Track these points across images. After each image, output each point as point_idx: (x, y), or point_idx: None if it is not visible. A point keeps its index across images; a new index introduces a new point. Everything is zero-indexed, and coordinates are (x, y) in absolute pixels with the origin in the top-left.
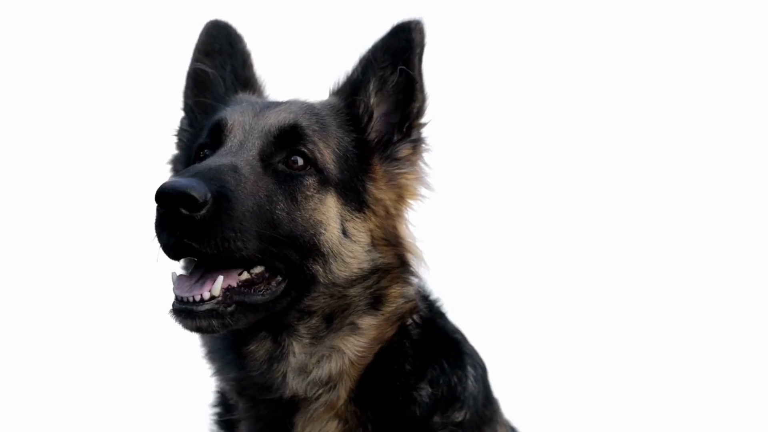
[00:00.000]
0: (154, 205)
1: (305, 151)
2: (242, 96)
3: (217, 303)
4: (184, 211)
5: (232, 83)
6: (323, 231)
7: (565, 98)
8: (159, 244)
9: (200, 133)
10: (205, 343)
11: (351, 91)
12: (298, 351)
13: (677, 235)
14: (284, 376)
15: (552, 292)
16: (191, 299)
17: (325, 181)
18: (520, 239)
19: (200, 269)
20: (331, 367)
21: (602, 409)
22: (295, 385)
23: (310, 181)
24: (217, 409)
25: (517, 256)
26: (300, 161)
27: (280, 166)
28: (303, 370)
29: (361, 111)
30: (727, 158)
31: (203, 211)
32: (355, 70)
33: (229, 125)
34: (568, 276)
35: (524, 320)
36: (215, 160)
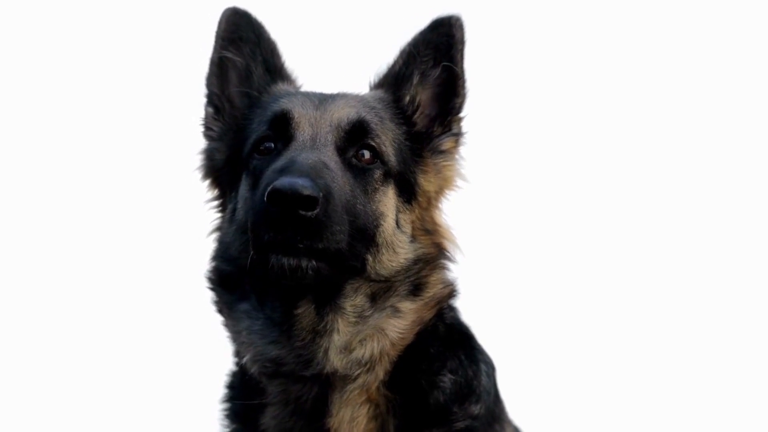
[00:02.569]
0: (264, 203)
1: (373, 144)
2: (282, 87)
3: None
4: (302, 212)
5: (264, 73)
6: (382, 222)
7: (573, 94)
8: (257, 241)
9: (245, 125)
10: (242, 329)
11: (395, 84)
12: (342, 329)
13: (685, 237)
14: (326, 351)
15: (552, 292)
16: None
17: (388, 174)
18: (518, 237)
19: None
20: (373, 347)
21: (602, 409)
22: (336, 361)
23: (378, 174)
24: (227, 404)
25: (516, 255)
26: (367, 155)
27: (354, 161)
28: (346, 348)
29: (406, 104)
30: (747, 164)
31: (317, 210)
32: (396, 63)
33: (295, 118)
34: (569, 275)
35: (523, 319)
36: (303, 156)
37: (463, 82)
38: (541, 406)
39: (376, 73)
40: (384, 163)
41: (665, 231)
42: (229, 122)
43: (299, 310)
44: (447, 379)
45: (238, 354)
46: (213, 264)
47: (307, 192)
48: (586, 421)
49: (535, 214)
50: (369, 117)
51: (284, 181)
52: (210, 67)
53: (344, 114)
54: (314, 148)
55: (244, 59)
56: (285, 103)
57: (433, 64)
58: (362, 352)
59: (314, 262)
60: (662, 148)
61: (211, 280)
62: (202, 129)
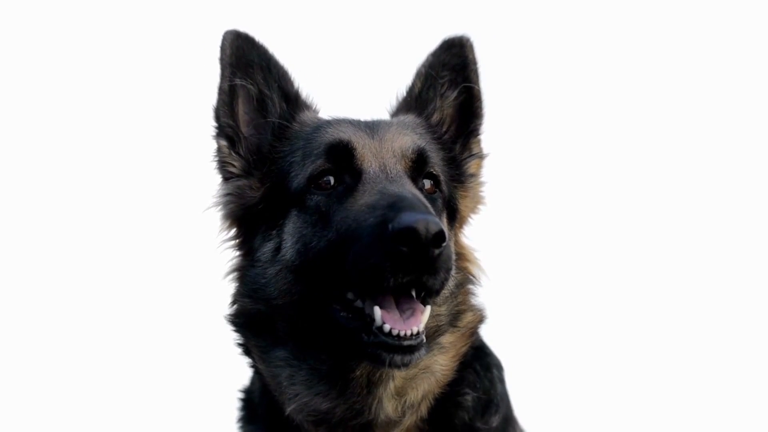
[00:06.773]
0: (389, 245)
1: (434, 173)
2: (311, 115)
3: (420, 333)
4: (436, 250)
5: (281, 100)
6: None
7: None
8: (375, 286)
9: (278, 158)
10: (281, 378)
11: (420, 107)
12: (398, 375)
13: (689, 239)
14: (380, 401)
15: (552, 293)
16: (407, 334)
17: (444, 201)
18: (518, 239)
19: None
20: (424, 388)
21: (603, 409)
22: (389, 408)
23: (440, 202)
24: (240, 423)
25: (515, 256)
26: (429, 184)
27: (424, 191)
28: (399, 394)
29: (435, 127)
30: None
31: (442, 248)
32: (415, 86)
33: (358, 149)
34: (568, 277)
35: (523, 321)
36: (399, 189)
37: (482, 102)
38: (541, 407)
39: (396, 96)
40: (441, 191)
41: (679, 242)
42: (251, 155)
43: (357, 372)
44: (469, 398)
45: (267, 394)
46: (238, 306)
47: (437, 228)
48: (586, 422)
49: (531, 222)
50: (425, 145)
51: (414, 218)
52: (219, 96)
53: (404, 143)
54: (393, 181)
55: (256, 86)
56: (338, 133)
57: (449, 86)
58: (415, 395)
59: (424, 351)
60: (671, 162)
61: (236, 323)
62: (217, 164)
